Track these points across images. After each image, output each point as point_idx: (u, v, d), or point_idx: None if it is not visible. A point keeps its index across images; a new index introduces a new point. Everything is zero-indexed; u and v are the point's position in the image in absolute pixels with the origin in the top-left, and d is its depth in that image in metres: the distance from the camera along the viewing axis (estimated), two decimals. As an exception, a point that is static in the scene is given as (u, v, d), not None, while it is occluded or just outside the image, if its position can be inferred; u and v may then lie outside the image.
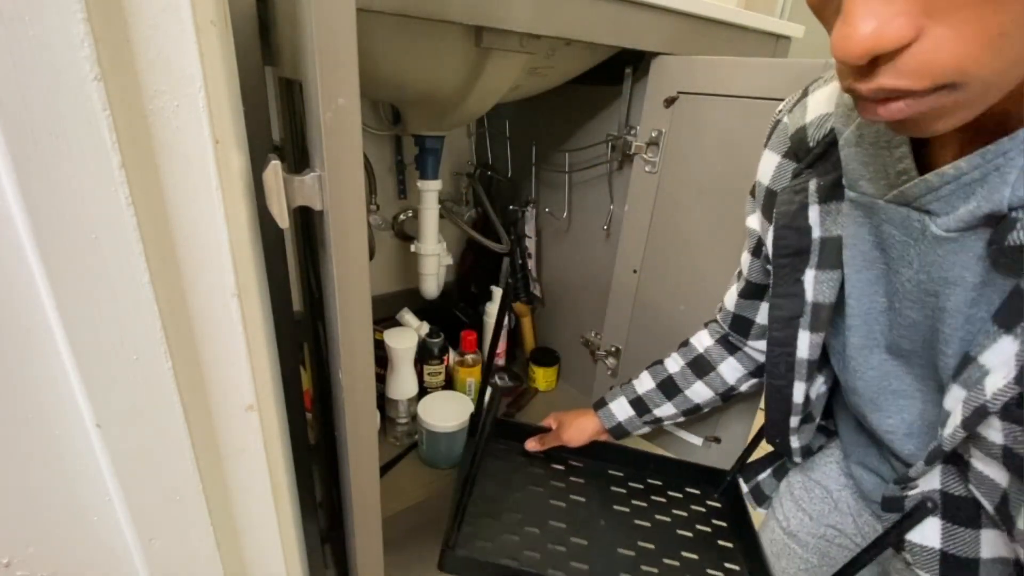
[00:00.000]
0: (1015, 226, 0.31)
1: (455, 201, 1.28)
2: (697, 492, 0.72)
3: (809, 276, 0.45)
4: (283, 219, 0.37)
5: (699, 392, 0.67)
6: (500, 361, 1.24)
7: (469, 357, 1.05)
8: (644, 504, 0.68)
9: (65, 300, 0.27)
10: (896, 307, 0.42)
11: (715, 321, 0.67)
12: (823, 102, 0.44)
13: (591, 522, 0.63)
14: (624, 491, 0.70)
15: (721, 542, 0.64)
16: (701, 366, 0.66)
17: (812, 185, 0.43)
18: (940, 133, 0.29)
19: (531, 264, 1.21)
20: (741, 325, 0.62)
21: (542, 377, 1.20)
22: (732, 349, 0.65)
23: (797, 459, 0.60)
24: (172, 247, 0.31)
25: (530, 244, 1.20)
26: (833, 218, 0.43)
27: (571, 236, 1.13)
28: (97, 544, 0.35)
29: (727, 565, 0.60)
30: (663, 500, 0.69)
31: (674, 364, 0.68)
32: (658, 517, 0.66)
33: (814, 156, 0.44)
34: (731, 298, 0.62)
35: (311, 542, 0.58)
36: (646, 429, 0.71)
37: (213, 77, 0.29)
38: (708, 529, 0.66)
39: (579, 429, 0.71)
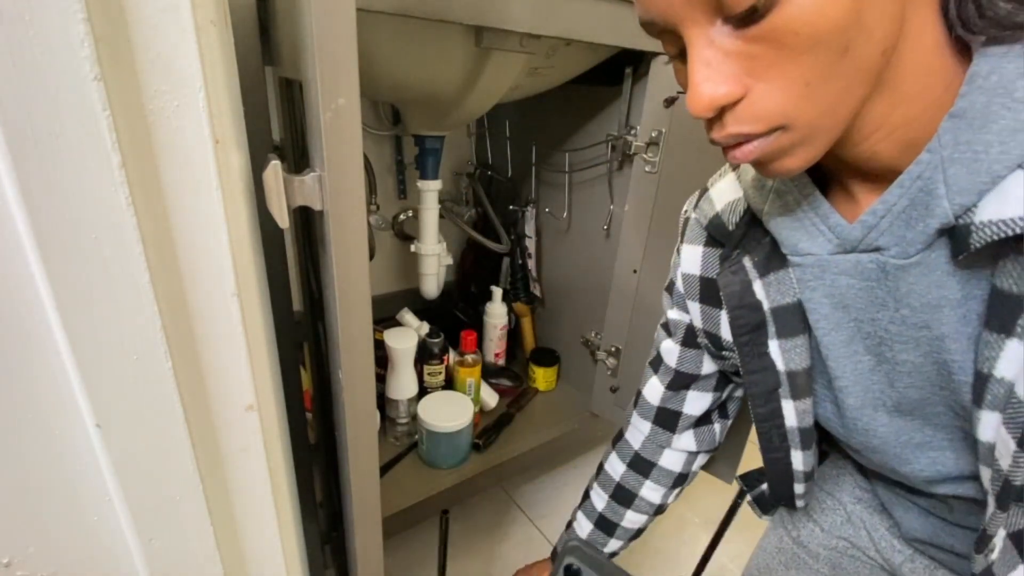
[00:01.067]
0: (970, 231, 0.32)
1: (455, 201, 1.28)
2: None
3: (774, 347, 0.45)
4: (283, 219, 0.37)
5: (633, 520, 0.65)
6: (500, 361, 1.25)
7: (469, 357, 1.05)
8: None
9: (65, 300, 0.27)
10: (889, 357, 0.41)
11: (622, 437, 0.65)
12: (727, 191, 0.47)
13: None
14: None
15: None
16: (624, 497, 0.65)
17: (747, 263, 0.44)
18: (795, 170, 0.34)
19: (531, 264, 1.21)
20: (668, 419, 0.60)
21: (542, 377, 1.20)
22: (647, 469, 0.63)
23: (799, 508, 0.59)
24: (172, 247, 0.31)
25: (530, 244, 1.20)
26: (777, 287, 0.43)
27: (571, 236, 1.13)
28: (97, 544, 0.35)
29: None
30: None
31: (600, 500, 0.66)
32: None
33: (737, 237, 0.46)
34: (654, 391, 0.60)
35: (311, 542, 0.58)
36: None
37: (213, 77, 0.29)
38: None
39: None
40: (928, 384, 0.40)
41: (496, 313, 1.19)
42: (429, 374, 1.04)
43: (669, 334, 0.58)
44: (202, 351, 0.34)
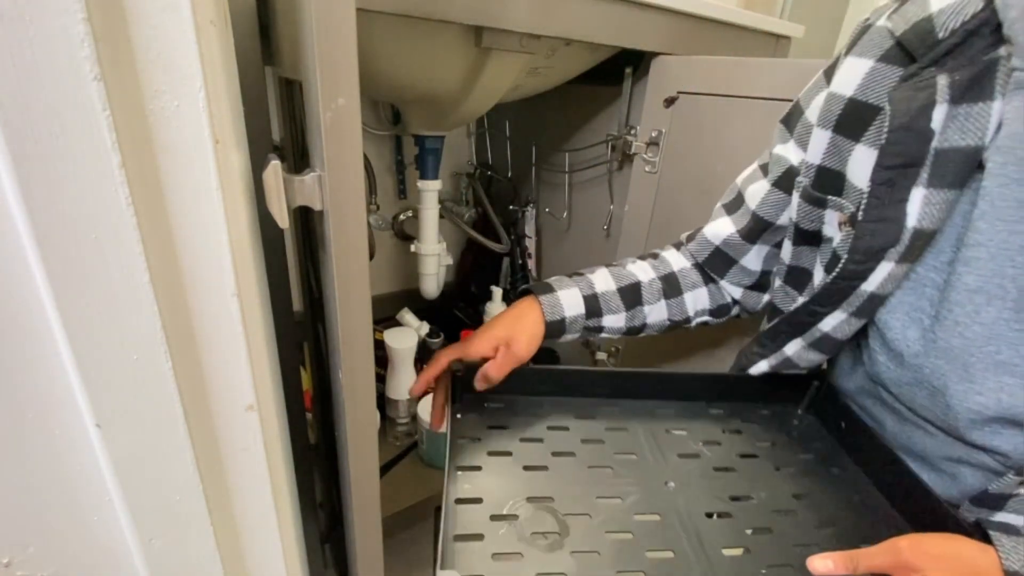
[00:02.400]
0: None
1: (455, 201, 1.28)
2: (770, 412, 0.55)
3: (917, 196, 0.38)
4: (283, 219, 0.37)
5: (656, 312, 0.58)
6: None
7: (469, 357, 1.05)
8: (717, 443, 0.51)
9: (65, 300, 0.27)
10: None
11: (657, 256, 0.61)
12: None
13: (655, 486, 0.45)
14: (684, 432, 0.52)
15: (833, 468, 0.49)
16: (672, 286, 0.58)
17: (943, 80, 0.37)
18: None
19: (531, 264, 1.21)
20: (719, 263, 0.56)
21: (542, 377, 1.20)
22: (708, 280, 0.59)
23: None
24: (172, 247, 0.31)
25: (530, 244, 1.20)
26: (963, 123, 0.37)
27: (571, 236, 1.13)
28: (97, 544, 0.35)
29: (855, 498, 0.46)
30: (738, 432, 0.52)
31: (643, 273, 0.58)
32: (740, 455, 0.49)
33: (944, 49, 0.37)
34: (718, 230, 0.55)
35: (311, 542, 0.58)
36: (575, 337, 0.58)
37: (213, 77, 0.29)
38: (810, 456, 0.50)
39: (533, 335, 0.53)
40: None
41: (496, 313, 1.19)
42: (429, 374, 1.04)
43: (764, 174, 0.52)
44: (202, 351, 0.34)
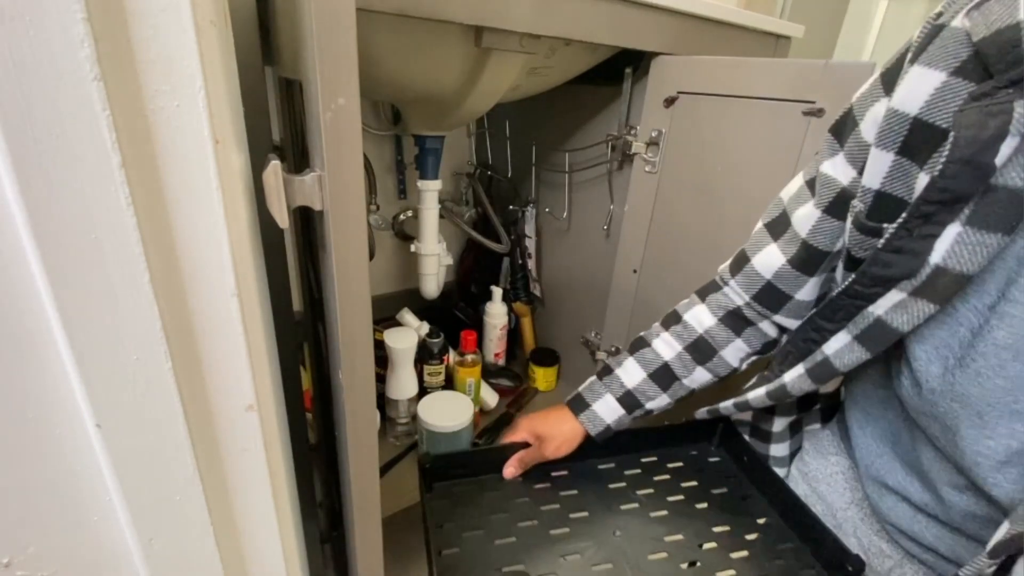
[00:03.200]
0: None
1: (455, 201, 1.28)
2: (695, 452, 0.67)
3: (949, 233, 0.34)
4: (283, 219, 0.37)
5: (698, 379, 0.58)
6: (500, 361, 1.25)
7: (469, 357, 1.05)
8: (651, 491, 0.61)
9: (65, 300, 0.27)
10: None
11: (720, 290, 0.57)
12: None
13: (605, 537, 0.55)
14: (624, 484, 0.62)
15: (742, 499, 0.60)
16: (702, 351, 0.56)
17: (1020, 108, 0.31)
18: None
19: (531, 264, 1.21)
20: (772, 298, 0.51)
21: (542, 377, 1.20)
22: (740, 327, 0.55)
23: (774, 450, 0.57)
24: (172, 247, 0.31)
25: (530, 244, 1.20)
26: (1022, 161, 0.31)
27: (571, 236, 1.13)
28: (97, 544, 0.35)
29: (759, 522, 0.57)
30: (666, 476, 0.63)
31: (668, 349, 0.57)
32: (670, 499, 0.60)
33: None
34: (769, 261, 0.50)
35: (311, 542, 0.58)
36: (632, 423, 0.62)
37: (213, 77, 0.29)
38: (724, 489, 0.61)
39: (565, 440, 0.60)
40: None
41: (496, 313, 1.19)
42: (429, 374, 1.04)
43: (812, 194, 0.46)
44: (202, 351, 0.34)
